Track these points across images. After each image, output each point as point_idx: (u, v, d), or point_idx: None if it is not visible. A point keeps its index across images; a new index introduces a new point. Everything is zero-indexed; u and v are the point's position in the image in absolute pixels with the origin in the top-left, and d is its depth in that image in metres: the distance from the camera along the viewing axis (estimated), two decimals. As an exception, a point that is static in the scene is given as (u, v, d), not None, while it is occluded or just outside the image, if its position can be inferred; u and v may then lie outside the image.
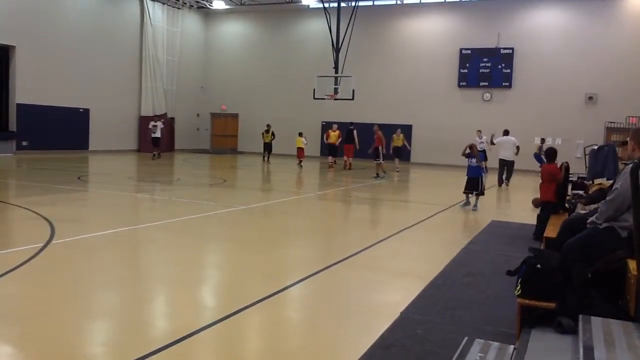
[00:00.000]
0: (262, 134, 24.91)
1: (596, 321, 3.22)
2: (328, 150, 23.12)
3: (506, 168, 17.82)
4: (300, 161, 22.92)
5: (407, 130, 28.31)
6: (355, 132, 21.64)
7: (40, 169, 17.92)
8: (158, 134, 23.65)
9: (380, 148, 19.33)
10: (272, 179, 19.25)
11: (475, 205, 11.84)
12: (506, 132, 18.52)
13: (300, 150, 23.14)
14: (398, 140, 21.76)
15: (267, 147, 24.48)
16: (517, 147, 18.02)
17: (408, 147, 23.74)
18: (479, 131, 20.88)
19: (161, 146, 24.47)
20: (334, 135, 22.61)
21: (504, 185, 17.74)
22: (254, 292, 5.33)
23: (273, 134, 24.66)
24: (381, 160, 19.35)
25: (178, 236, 8.08)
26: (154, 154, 23.56)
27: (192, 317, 4.66)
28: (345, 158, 22.06)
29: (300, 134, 23.80)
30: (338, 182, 17.77)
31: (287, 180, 18.55)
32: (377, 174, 19.15)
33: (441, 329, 4.51)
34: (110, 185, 14.61)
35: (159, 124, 23.71)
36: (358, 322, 4.78)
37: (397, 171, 21.41)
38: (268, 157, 24.35)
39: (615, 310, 3.74)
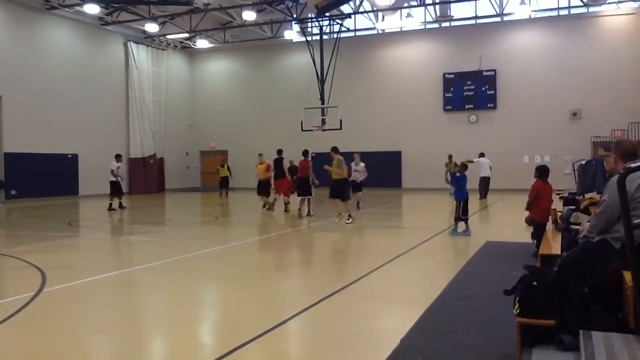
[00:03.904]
0: (218, 168, 25.73)
1: (597, 336, 3.19)
2: (257, 187, 17.43)
3: (485, 184, 21.01)
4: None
5: (396, 156, 28.59)
6: (284, 161, 17.07)
7: (30, 217, 17.77)
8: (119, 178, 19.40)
9: (311, 179, 15.59)
10: (262, 214, 19.12)
11: (455, 230, 11.42)
12: (482, 155, 21.65)
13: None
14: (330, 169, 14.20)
15: (225, 183, 25.02)
16: (490, 167, 21.34)
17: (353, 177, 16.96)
18: (358, 154, 17.78)
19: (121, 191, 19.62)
20: (261, 169, 17.31)
21: (484, 199, 20.23)
22: (253, 327, 5.24)
23: (229, 168, 25.53)
24: (313, 195, 15.73)
25: (172, 277, 7.98)
26: (112, 204, 18.92)
27: (191, 357, 4.57)
28: (277, 196, 17.26)
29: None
30: (326, 213, 17.67)
31: (278, 214, 18.44)
32: (300, 210, 15.26)
33: (442, 354, 4.44)
34: (102, 230, 14.50)
35: (121, 165, 19.80)
36: (359, 351, 4.70)
37: (349, 222, 13.64)
38: (226, 193, 24.65)
39: (615, 322, 3.71)
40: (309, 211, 15.63)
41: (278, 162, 16.95)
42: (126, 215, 17.71)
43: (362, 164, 17.22)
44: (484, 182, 21.14)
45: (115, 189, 19.07)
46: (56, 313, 6.07)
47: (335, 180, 13.93)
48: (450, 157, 23.37)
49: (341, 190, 13.89)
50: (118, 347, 4.99)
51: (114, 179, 18.93)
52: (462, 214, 11.39)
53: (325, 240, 12.19)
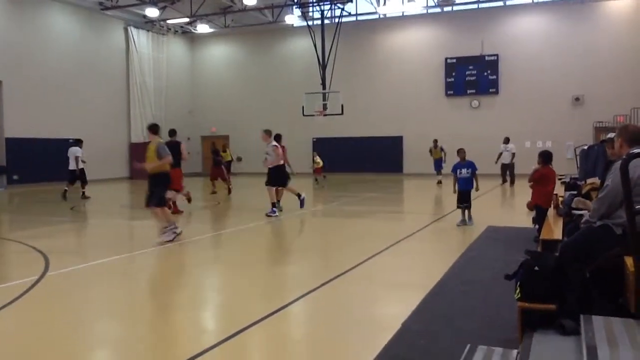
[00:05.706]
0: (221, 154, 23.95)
1: (597, 320, 3.21)
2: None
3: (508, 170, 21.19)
4: (324, 176, 23.45)
5: (397, 141, 28.54)
6: (183, 145, 12.94)
7: (32, 202, 17.81)
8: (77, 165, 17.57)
9: (288, 167, 13.88)
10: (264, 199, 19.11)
11: (470, 219, 10.69)
12: (507, 140, 21.48)
13: (318, 168, 23.50)
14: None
15: (227, 167, 23.03)
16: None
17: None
18: (267, 131, 13.14)
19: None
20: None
21: (506, 184, 20.86)
22: (254, 311, 5.27)
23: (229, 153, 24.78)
24: (288, 186, 13.35)
25: (174, 261, 8.02)
26: (71, 190, 17.34)
27: (193, 341, 4.60)
28: (171, 194, 11.97)
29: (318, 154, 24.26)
30: (325, 198, 17.70)
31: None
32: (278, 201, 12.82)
33: (443, 338, 4.47)
34: (104, 214, 14.53)
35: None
36: (360, 335, 4.74)
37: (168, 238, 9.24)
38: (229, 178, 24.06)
39: (616, 308, 3.73)
40: (278, 200, 13.21)
41: (172, 147, 11.82)
42: (129, 201, 17.74)
43: (273, 143, 12.88)
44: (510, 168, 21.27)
45: (82, 177, 17.66)
46: (59, 297, 6.11)
47: (151, 177, 9.41)
48: (435, 141, 22.32)
49: (156, 191, 9.34)
50: (120, 330, 5.03)
51: (80, 166, 17.48)
52: (458, 202, 10.81)
53: (324, 226, 12.21)
